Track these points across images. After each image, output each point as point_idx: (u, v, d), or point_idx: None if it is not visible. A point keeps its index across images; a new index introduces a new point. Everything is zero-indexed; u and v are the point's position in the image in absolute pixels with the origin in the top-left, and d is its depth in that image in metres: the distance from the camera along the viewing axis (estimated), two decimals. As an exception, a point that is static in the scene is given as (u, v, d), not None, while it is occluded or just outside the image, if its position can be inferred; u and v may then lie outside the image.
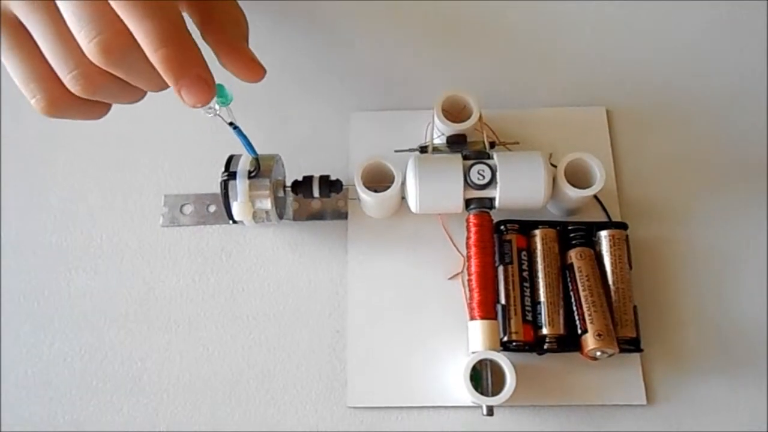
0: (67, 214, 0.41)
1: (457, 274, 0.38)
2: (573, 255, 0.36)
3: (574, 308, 0.35)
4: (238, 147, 0.35)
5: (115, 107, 0.45)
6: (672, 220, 0.40)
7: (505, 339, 0.35)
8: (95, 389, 0.37)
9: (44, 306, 0.39)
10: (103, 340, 0.38)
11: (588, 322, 0.34)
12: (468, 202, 0.37)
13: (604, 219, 0.39)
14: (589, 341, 0.34)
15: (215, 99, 0.31)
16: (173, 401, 0.37)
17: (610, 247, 0.36)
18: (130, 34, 0.27)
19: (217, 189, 0.37)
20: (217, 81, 0.31)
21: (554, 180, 0.37)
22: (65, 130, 0.43)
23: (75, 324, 0.38)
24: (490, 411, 0.34)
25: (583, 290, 0.35)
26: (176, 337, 0.38)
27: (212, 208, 0.41)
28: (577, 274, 0.36)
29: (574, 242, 0.37)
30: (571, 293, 0.36)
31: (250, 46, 0.46)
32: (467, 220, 0.37)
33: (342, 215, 0.40)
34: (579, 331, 0.35)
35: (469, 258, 0.36)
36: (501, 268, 0.36)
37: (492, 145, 0.39)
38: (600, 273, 0.36)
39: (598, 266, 0.36)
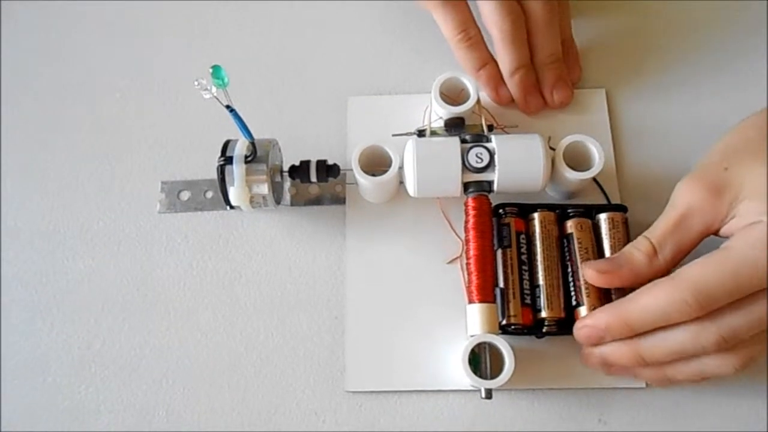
0: (65, 201, 0.41)
1: (456, 258, 0.38)
2: (572, 225, 0.36)
3: (570, 279, 0.35)
4: (234, 132, 0.35)
5: (110, 95, 0.45)
6: (672, 203, 0.39)
7: (504, 322, 0.35)
8: (94, 375, 0.37)
9: (42, 293, 0.39)
10: (102, 326, 0.38)
11: (584, 295, 0.34)
12: (466, 186, 0.36)
13: (603, 202, 0.39)
14: (583, 314, 0.34)
15: (212, 81, 0.31)
16: (172, 387, 0.37)
17: (610, 230, 0.36)
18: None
19: (214, 175, 0.37)
20: (214, 62, 0.31)
21: (553, 163, 0.37)
22: (63, 117, 0.43)
23: (73, 311, 0.38)
24: (489, 394, 0.33)
25: (582, 263, 0.35)
26: (174, 323, 0.38)
27: (209, 194, 0.41)
28: (576, 246, 0.35)
29: (571, 213, 0.36)
30: (568, 263, 0.36)
31: (248, 30, 0.46)
32: (465, 204, 0.37)
33: (340, 200, 0.40)
34: (573, 303, 0.35)
35: (467, 242, 0.36)
36: (499, 252, 0.36)
37: (490, 128, 0.39)
38: (598, 248, 0.36)
39: (596, 241, 0.36)
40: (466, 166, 0.36)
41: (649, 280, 0.32)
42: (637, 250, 0.33)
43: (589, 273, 0.33)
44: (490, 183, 0.36)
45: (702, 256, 0.31)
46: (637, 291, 0.32)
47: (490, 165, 0.36)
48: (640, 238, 0.33)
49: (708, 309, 0.30)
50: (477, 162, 0.36)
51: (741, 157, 0.32)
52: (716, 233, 0.32)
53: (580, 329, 0.33)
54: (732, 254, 0.30)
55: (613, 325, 0.32)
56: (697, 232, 0.32)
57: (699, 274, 0.30)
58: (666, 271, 0.32)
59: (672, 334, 0.31)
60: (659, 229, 0.33)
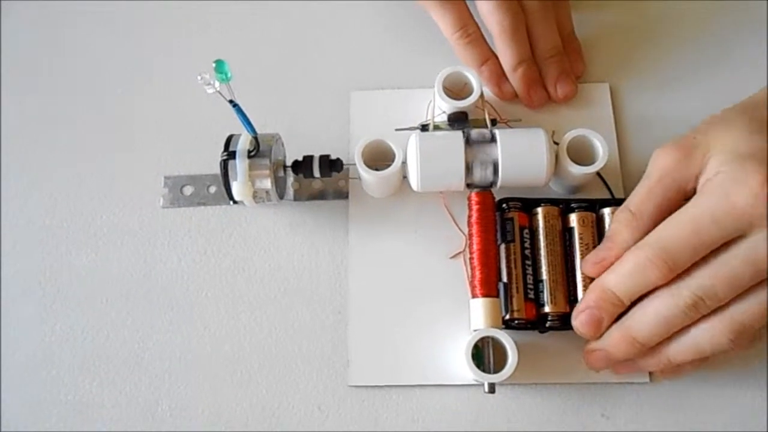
0: (68, 196, 0.41)
1: (459, 252, 0.38)
2: (575, 219, 0.36)
3: (569, 274, 0.35)
4: (237, 127, 0.35)
5: (112, 90, 0.45)
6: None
7: (507, 317, 0.35)
8: (97, 369, 0.37)
9: (46, 287, 0.39)
10: (105, 320, 0.38)
11: (581, 292, 0.35)
12: (469, 169, 0.36)
13: (607, 196, 0.39)
14: None
15: (215, 75, 0.31)
16: (175, 381, 0.37)
17: (613, 224, 0.36)
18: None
19: (217, 170, 0.37)
20: (217, 57, 0.31)
21: (557, 157, 0.37)
22: (65, 113, 0.43)
23: (77, 305, 0.38)
24: (492, 388, 0.33)
25: (581, 259, 0.35)
26: (177, 318, 0.38)
27: (212, 189, 0.41)
28: (577, 241, 0.35)
29: (575, 207, 0.36)
30: (567, 258, 0.36)
31: (252, 22, 0.46)
32: (469, 199, 0.37)
33: (343, 195, 0.40)
34: (570, 298, 0.35)
35: (470, 236, 0.36)
36: (503, 246, 0.36)
37: (494, 122, 0.38)
38: (600, 243, 0.36)
39: (598, 238, 0.36)
40: (468, 143, 0.36)
41: None
42: (618, 223, 0.33)
43: (588, 268, 0.34)
44: (495, 164, 0.36)
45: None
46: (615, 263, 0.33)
47: (493, 141, 0.36)
48: (619, 211, 0.34)
49: (675, 267, 0.30)
50: (479, 137, 0.36)
51: (711, 126, 0.32)
52: (690, 196, 0.32)
53: (577, 317, 0.33)
54: (690, 209, 0.30)
55: (600, 297, 0.32)
56: (673, 193, 0.32)
57: (660, 233, 0.31)
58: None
59: (650, 302, 0.31)
60: (636, 196, 0.33)
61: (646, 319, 0.31)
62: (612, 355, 0.33)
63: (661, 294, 0.31)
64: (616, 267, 0.32)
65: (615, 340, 0.33)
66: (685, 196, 0.32)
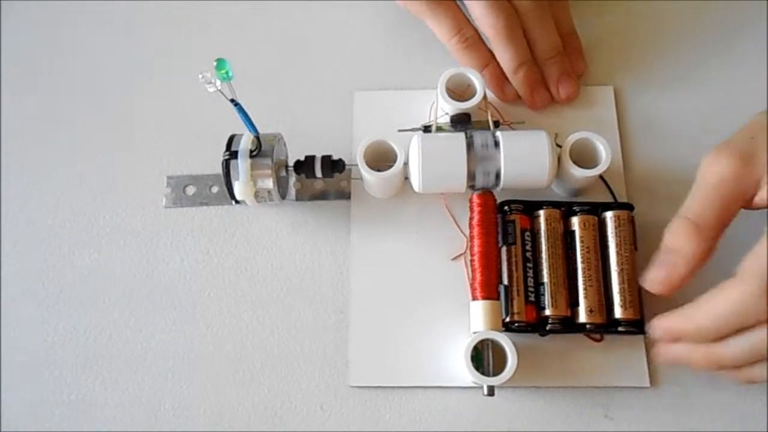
0: (70, 196, 0.41)
1: (460, 254, 0.38)
2: (577, 222, 0.36)
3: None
4: (239, 127, 0.35)
5: (114, 89, 0.45)
6: (679, 201, 0.38)
7: (508, 320, 0.35)
8: (100, 369, 0.37)
9: (48, 287, 0.39)
10: (108, 320, 0.38)
11: (582, 296, 0.35)
12: (470, 171, 0.36)
13: (609, 200, 0.38)
14: (580, 315, 0.35)
15: (216, 74, 0.31)
16: (177, 381, 0.37)
17: (615, 228, 0.36)
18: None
19: (219, 170, 0.37)
20: (218, 56, 0.31)
21: (559, 160, 0.36)
22: (67, 112, 0.43)
23: (79, 305, 0.39)
24: (491, 391, 0.34)
25: (582, 262, 0.35)
26: (180, 317, 0.38)
27: (215, 189, 0.41)
28: (578, 244, 0.35)
29: (577, 210, 0.36)
30: (569, 261, 0.36)
31: (254, 24, 0.46)
32: (470, 200, 0.37)
33: (345, 195, 0.40)
34: (571, 301, 0.35)
35: (471, 238, 0.36)
36: (504, 249, 0.36)
37: (496, 124, 0.38)
38: (601, 248, 0.36)
39: (600, 242, 0.36)
40: (471, 151, 0.35)
41: (702, 260, 0.31)
42: (679, 235, 0.31)
43: (654, 287, 0.32)
44: (497, 174, 0.36)
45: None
46: (705, 297, 0.30)
47: (496, 148, 0.35)
48: (677, 221, 0.31)
49: None
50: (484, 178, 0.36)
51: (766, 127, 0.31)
52: (750, 203, 0.31)
53: (658, 334, 0.32)
54: None
55: (690, 334, 0.31)
56: (734, 201, 0.31)
57: (764, 264, 0.28)
58: (713, 247, 0.31)
59: (750, 336, 0.29)
60: (693, 205, 0.31)
61: (743, 353, 0.30)
62: (686, 364, 0.32)
63: (760, 330, 0.29)
64: (713, 306, 0.29)
65: (698, 359, 0.31)
66: (747, 202, 0.31)
